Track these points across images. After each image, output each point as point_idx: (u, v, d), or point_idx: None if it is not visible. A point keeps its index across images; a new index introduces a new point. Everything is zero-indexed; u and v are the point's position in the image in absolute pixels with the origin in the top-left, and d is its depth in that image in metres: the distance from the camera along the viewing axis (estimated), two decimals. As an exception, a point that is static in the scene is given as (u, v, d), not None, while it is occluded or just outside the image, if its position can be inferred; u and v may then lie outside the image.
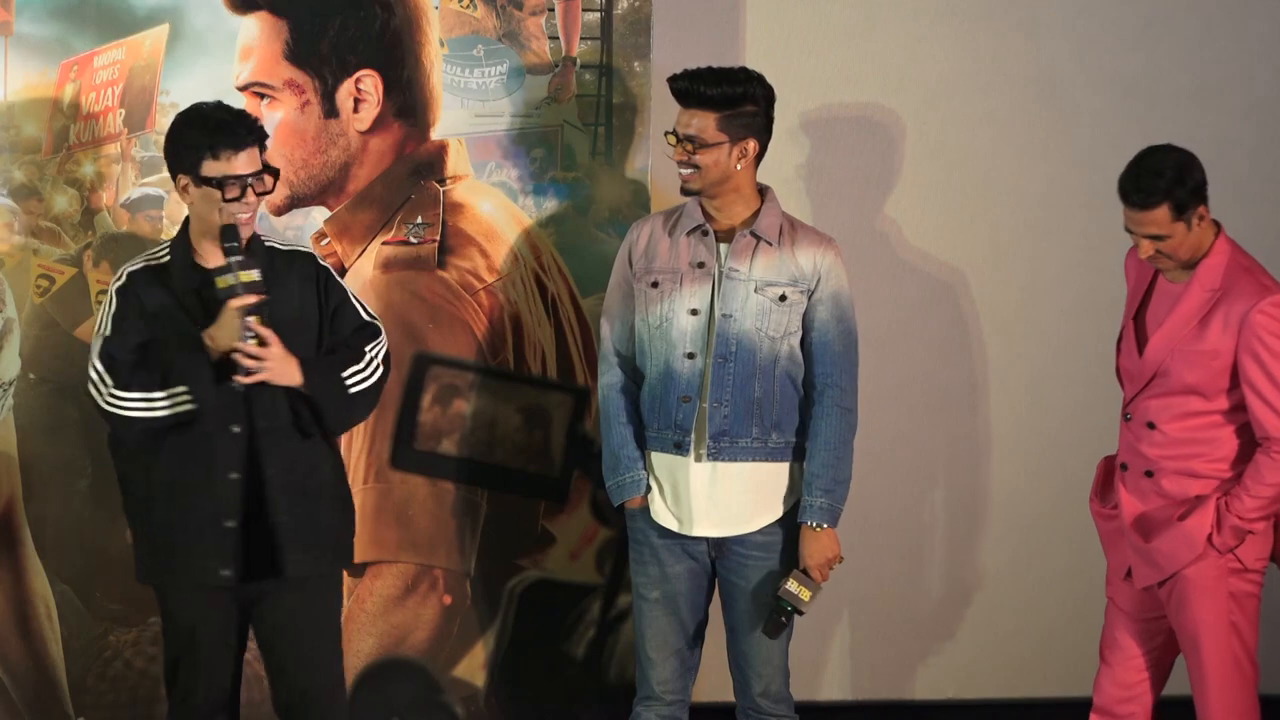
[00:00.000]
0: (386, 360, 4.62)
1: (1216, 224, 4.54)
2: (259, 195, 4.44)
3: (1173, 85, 5.71)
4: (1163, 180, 4.44)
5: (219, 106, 4.48)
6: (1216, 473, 4.48)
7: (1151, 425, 4.51)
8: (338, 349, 4.53)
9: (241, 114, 4.50)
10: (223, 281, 4.38)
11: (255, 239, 4.52)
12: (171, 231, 4.99)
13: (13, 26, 4.94)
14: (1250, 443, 4.47)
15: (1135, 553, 4.53)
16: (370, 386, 4.54)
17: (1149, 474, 4.51)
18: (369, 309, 4.66)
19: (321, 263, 4.61)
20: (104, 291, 4.97)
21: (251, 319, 4.37)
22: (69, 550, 5.02)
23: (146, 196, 5.01)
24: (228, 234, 4.40)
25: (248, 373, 4.37)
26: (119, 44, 4.99)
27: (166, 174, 4.98)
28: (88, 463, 5.02)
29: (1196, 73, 5.72)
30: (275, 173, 4.47)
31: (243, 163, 4.40)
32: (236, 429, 4.42)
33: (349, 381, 4.49)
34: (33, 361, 5.00)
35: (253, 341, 4.37)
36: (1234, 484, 4.45)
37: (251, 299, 4.38)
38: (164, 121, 4.97)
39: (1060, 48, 5.70)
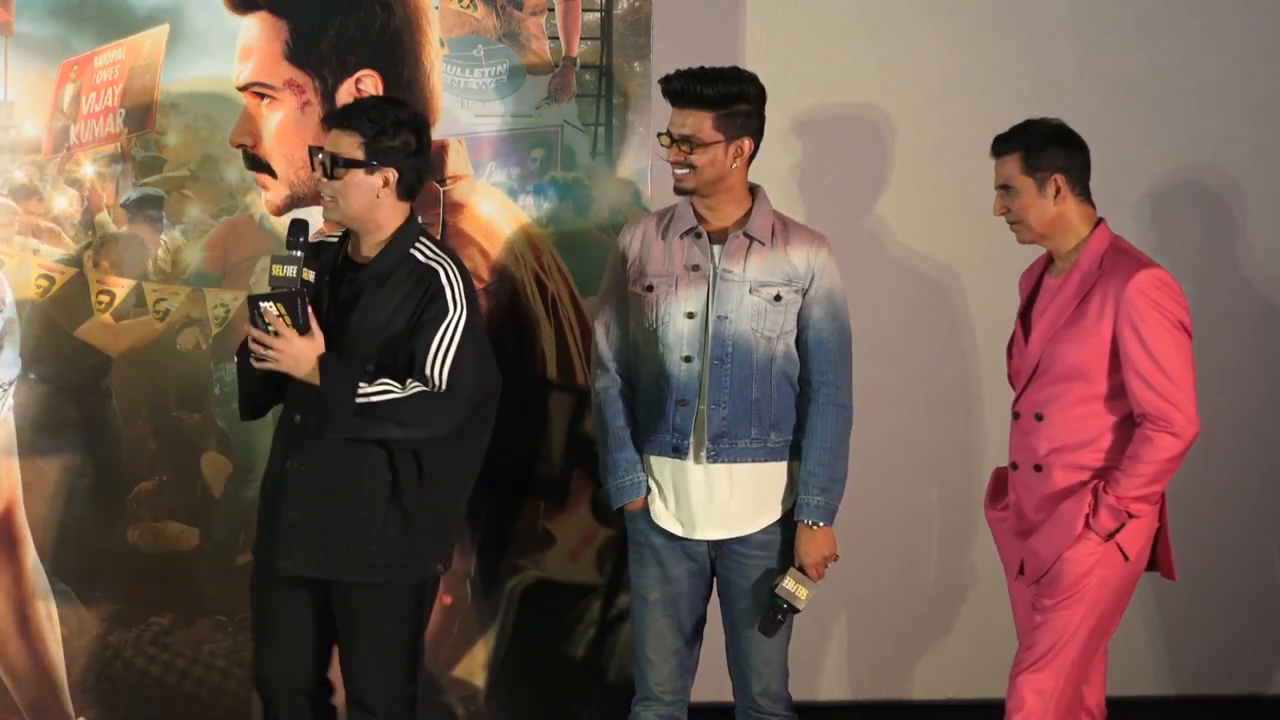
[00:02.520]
0: (422, 409, 4.37)
1: (1100, 219, 4.53)
2: (327, 177, 4.40)
3: (1173, 85, 5.71)
4: (1024, 131, 4.52)
5: (385, 97, 4.65)
6: (1097, 464, 4.45)
7: (1040, 417, 4.50)
8: (383, 366, 4.40)
9: (368, 101, 4.57)
10: (277, 269, 4.38)
11: (404, 236, 4.44)
12: (173, 232, 5.00)
13: (13, 26, 4.94)
14: (1131, 435, 4.43)
15: (1024, 547, 4.53)
16: (382, 404, 4.34)
17: (1038, 468, 4.51)
18: (456, 370, 4.38)
19: (448, 283, 4.42)
20: (104, 291, 4.97)
21: (267, 305, 4.33)
22: (69, 550, 5.02)
23: (146, 196, 5.01)
24: (292, 227, 4.42)
25: (260, 358, 4.37)
26: (119, 44, 4.98)
27: (166, 174, 5.00)
28: (88, 463, 5.02)
29: (1196, 73, 5.73)
30: (337, 163, 4.39)
31: (329, 139, 4.43)
32: (297, 418, 4.43)
33: (360, 392, 4.35)
34: (33, 361, 5.00)
35: (270, 331, 4.34)
36: (1114, 470, 4.42)
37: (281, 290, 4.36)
38: (164, 121, 4.98)
39: (1060, 48, 5.70)
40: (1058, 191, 4.49)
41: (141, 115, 4.99)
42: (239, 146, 5.02)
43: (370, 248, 4.48)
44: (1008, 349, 4.69)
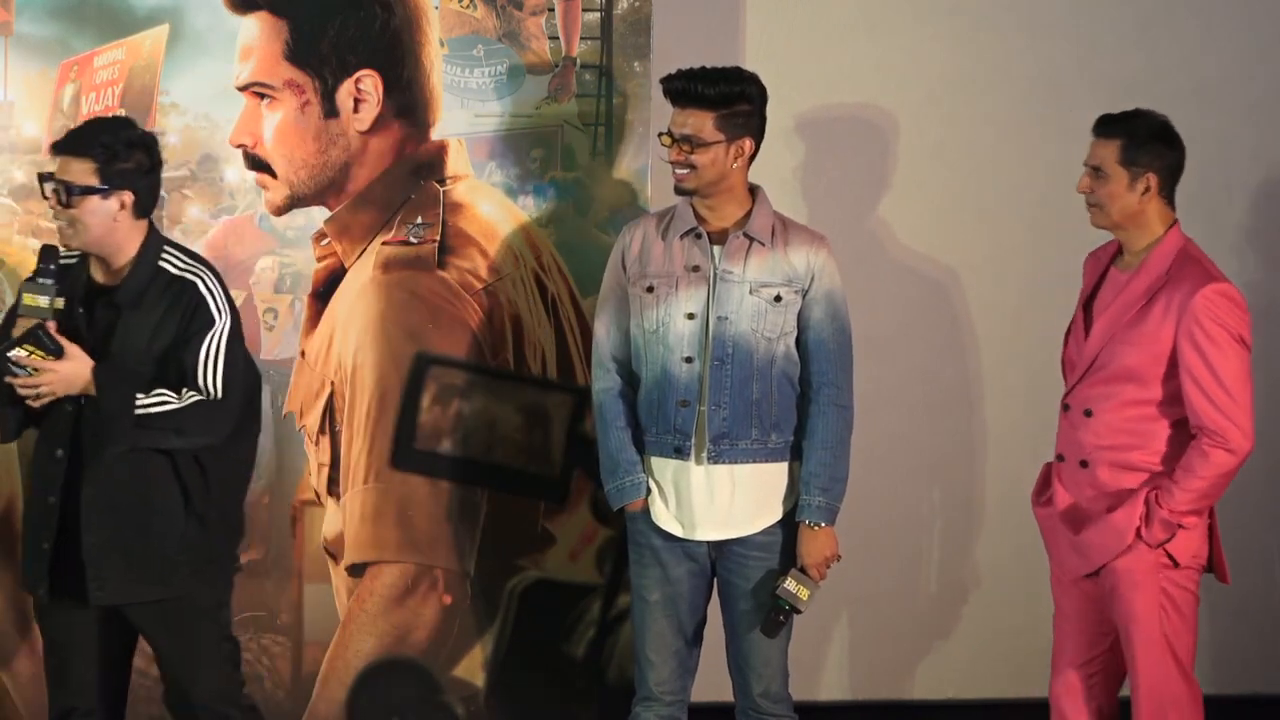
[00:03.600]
0: (201, 417, 4.38)
1: (1175, 220, 4.52)
2: (62, 205, 4.34)
3: (1173, 85, 5.71)
4: (1131, 120, 4.49)
5: (112, 118, 4.51)
6: (1151, 465, 4.45)
7: (1089, 413, 4.49)
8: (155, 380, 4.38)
9: (97, 125, 4.46)
10: (29, 299, 4.34)
11: (147, 252, 4.42)
12: (172, 232, 4.99)
13: (13, 26, 4.94)
14: (1186, 439, 4.43)
15: (1066, 543, 4.52)
16: (160, 414, 4.34)
17: (1084, 464, 4.50)
18: (228, 376, 4.41)
19: (208, 292, 4.42)
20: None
21: (17, 353, 4.29)
22: (69, 550, 5.02)
23: (146, 196, 5.00)
24: (42, 253, 4.38)
25: (34, 399, 4.34)
26: (119, 44, 4.99)
27: (166, 174, 4.98)
28: (88, 463, 5.01)
29: (1196, 73, 5.72)
30: (72, 191, 4.32)
31: (59, 166, 4.37)
32: (60, 453, 4.39)
33: (139, 404, 4.33)
34: (33, 361, 5.00)
35: (29, 372, 4.31)
36: (1166, 478, 4.42)
37: (29, 323, 4.33)
38: (164, 121, 4.98)
39: (1060, 48, 5.70)
40: (1146, 189, 4.47)
41: (141, 115, 4.98)
42: (239, 146, 5.02)
43: (114, 269, 4.43)
44: (1066, 334, 4.65)
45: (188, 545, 4.43)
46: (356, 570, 5.11)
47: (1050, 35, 5.70)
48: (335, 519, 5.11)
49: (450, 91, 5.09)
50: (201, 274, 4.45)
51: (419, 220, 5.09)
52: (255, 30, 5.00)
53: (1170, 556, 4.43)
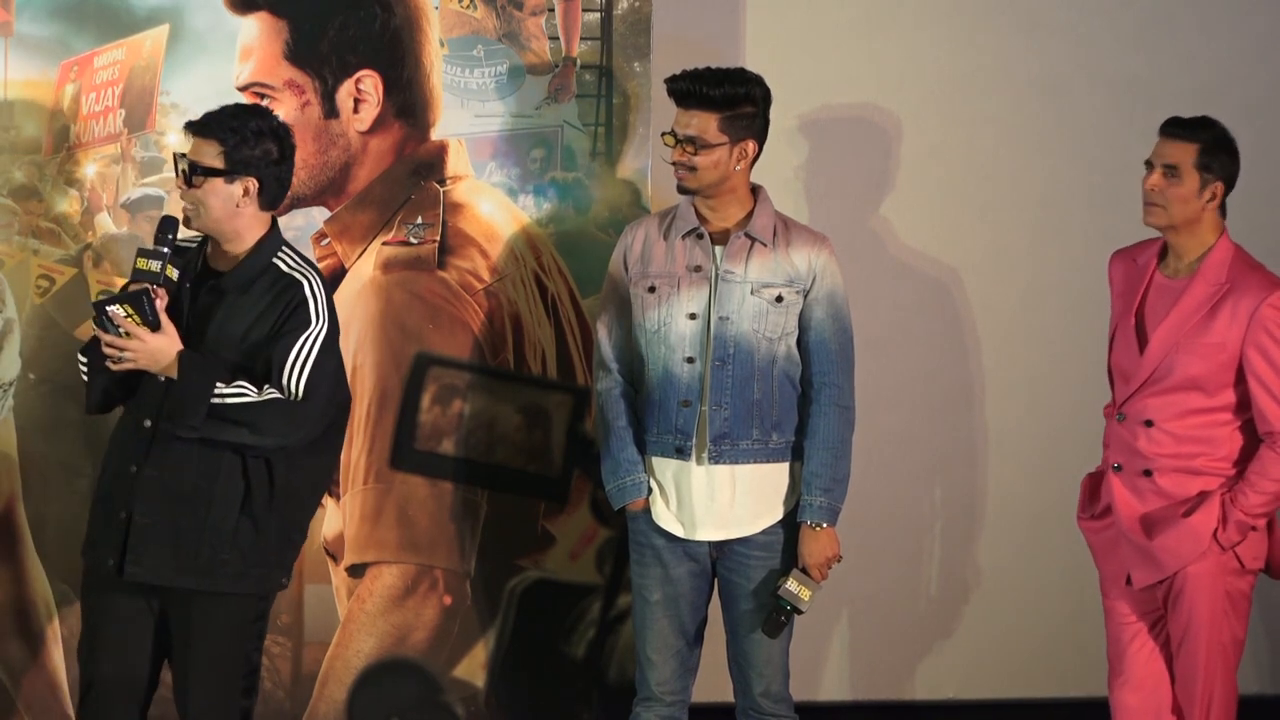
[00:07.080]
0: (276, 416, 4.35)
1: (1224, 228, 4.54)
2: (189, 186, 4.38)
3: (1173, 85, 5.71)
4: (1209, 127, 4.52)
5: (251, 105, 4.56)
6: (1218, 470, 4.47)
7: (1149, 423, 4.49)
8: (242, 371, 4.39)
9: (231, 109, 4.48)
10: (142, 262, 4.38)
11: (265, 246, 4.43)
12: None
13: (13, 26, 4.94)
14: (1251, 441, 4.46)
15: (1135, 552, 4.51)
16: (235, 406, 4.33)
17: (1147, 473, 4.50)
18: (314, 380, 4.37)
19: (311, 295, 4.41)
20: (105, 291, 4.97)
21: (114, 309, 4.32)
22: (69, 550, 5.00)
23: (146, 196, 5.01)
24: (161, 223, 4.42)
25: (116, 360, 4.36)
26: (119, 44, 4.99)
27: (166, 174, 5.00)
28: (88, 463, 5.01)
29: (1196, 73, 5.73)
30: (196, 171, 4.36)
31: (191, 146, 4.40)
32: (147, 423, 4.40)
33: (216, 393, 4.33)
34: (33, 361, 5.00)
35: (121, 334, 4.33)
36: (1237, 480, 4.45)
37: (137, 286, 4.36)
38: (164, 122, 4.98)
39: (1060, 48, 5.70)
40: (1212, 197, 4.50)
41: (141, 115, 4.99)
42: (239, 146, 5.02)
43: (231, 256, 4.45)
44: (1110, 338, 4.63)
45: (235, 545, 4.39)
46: (356, 570, 5.11)
47: (1050, 35, 5.70)
48: (335, 519, 5.11)
49: (450, 91, 5.09)
50: (309, 276, 4.44)
51: (419, 220, 5.10)
52: (255, 30, 5.00)
53: (1238, 559, 4.45)
